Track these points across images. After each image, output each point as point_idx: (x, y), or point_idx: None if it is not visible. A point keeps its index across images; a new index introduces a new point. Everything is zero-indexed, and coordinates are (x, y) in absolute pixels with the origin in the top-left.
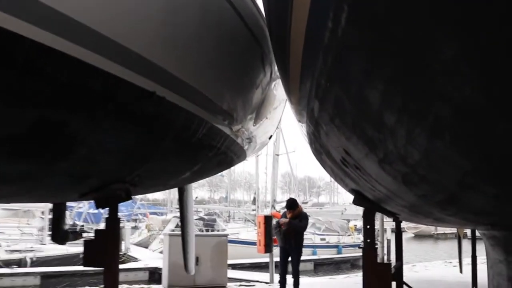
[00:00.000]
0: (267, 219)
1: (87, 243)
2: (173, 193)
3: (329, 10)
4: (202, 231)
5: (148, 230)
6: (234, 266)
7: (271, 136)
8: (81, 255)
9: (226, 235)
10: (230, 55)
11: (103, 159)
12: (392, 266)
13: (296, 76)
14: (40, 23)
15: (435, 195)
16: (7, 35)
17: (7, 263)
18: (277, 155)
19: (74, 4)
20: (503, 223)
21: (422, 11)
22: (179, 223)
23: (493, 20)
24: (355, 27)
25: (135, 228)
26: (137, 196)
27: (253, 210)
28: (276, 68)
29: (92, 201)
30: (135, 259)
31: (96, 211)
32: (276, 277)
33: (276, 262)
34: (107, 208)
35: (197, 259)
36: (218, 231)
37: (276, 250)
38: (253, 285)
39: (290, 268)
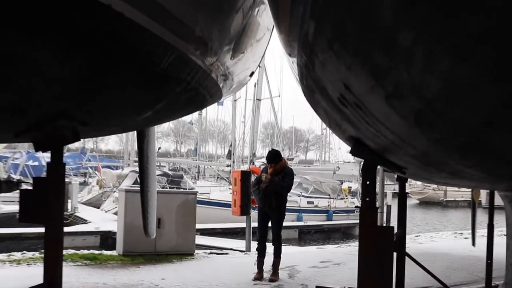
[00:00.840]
0: (245, 175)
1: (24, 195)
2: (132, 143)
3: None
4: (166, 189)
5: (100, 186)
6: (204, 232)
7: (252, 74)
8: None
9: (194, 193)
10: None
11: (42, 86)
12: (393, 233)
13: None
14: None
15: (455, 138)
16: None
17: None
18: (259, 100)
19: None
20: None
21: None
22: (138, 179)
23: None
24: None
25: (84, 184)
26: (87, 147)
27: (228, 165)
28: None
29: (31, 151)
30: (84, 221)
31: (36, 163)
32: (254, 245)
33: (254, 227)
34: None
35: (159, 221)
36: (185, 189)
37: (255, 214)
38: (226, 253)
39: (270, 235)
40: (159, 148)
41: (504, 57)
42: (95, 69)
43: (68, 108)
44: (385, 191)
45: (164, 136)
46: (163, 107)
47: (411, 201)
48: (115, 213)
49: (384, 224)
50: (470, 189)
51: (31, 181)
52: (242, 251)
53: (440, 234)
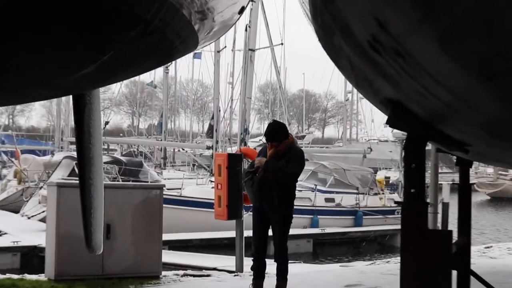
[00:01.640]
0: (233, 160)
1: None
2: (66, 116)
3: None
4: (118, 182)
5: (19, 181)
6: (175, 245)
7: (242, 10)
8: None
9: (160, 188)
10: None
11: None
12: (452, 242)
13: None
14: None
15: None
16: None
17: None
18: (252, 50)
19: None
20: None
21: None
22: (76, 168)
23: None
24: None
25: None
26: None
27: (209, 147)
28: None
29: None
30: None
31: None
32: (248, 262)
33: (248, 237)
34: None
35: (108, 229)
36: (147, 182)
37: (249, 217)
38: (208, 275)
39: (271, 247)
40: (107, 123)
41: None
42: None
43: None
44: (439, 182)
45: (114, 105)
46: (110, 60)
47: (478, 197)
48: (43, 220)
49: (439, 228)
50: None
51: None
52: (231, 272)
53: None
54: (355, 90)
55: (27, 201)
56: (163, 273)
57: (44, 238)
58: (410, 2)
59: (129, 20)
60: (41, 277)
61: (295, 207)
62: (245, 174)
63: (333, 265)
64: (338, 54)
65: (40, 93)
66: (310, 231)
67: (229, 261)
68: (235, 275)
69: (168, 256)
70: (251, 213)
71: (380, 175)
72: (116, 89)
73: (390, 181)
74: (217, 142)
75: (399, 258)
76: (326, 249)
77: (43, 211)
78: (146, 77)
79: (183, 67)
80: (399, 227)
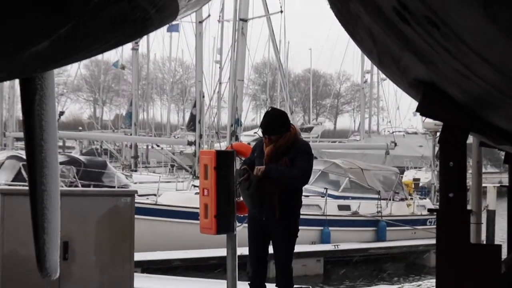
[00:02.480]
0: (223, 158)
1: None
2: (10, 106)
3: None
4: (77, 187)
5: None
6: (149, 266)
7: None
8: None
9: (131, 195)
10: None
11: None
12: (501, 259)
13: None
14: None
15: None
16: None
17: None
18: (244, 20)
19: None
20: None
21: None
22: (24, 170)
23: None
24: None
25: None
26: None
27: (191, 143)
28: None
29: None
30: None
31: None
32: (243, 287)
33: (242, 256)
34: None
35: (65, 248)
36: (113, 187)
37: (244, 230)
38: None
39: (272, 268)
40: (62, 114)
41: None
42: None
43: None
44: (484, 184)
45: (72, 91)
46: (67, 34)
47: None
48: None
49: (484, 242)
50: None
51: None
52: None
53: None
54: (375, 70)
55: None
56: None
57: None
58: None
59: None
60: None
61: (301, 216)
62: (239, 174)
63: None
64: (355, 25)
65: None
66: (320, 247)
67: (218, 287)
68: None
69: (142, 281)
70: (246, 225)
71: (408, 176)
72: (74, 70)
73: (420, 184)
74: (200, 136)
75: (433, 280)
76: (340, 270)
77: None
78: (111, 56)
79: (158, 43)
80: (432, 241)
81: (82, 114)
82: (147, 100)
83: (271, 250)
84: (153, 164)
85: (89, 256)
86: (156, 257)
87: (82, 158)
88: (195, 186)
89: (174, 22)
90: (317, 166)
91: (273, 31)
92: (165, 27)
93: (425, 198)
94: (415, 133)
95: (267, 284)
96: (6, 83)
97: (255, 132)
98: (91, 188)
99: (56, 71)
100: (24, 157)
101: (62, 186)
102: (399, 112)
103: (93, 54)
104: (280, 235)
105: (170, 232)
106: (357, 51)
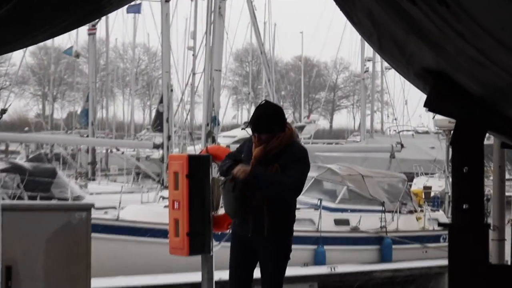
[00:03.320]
0: (197, 164)
1: None
2: None
3: None
4: (22, 199)
5: None
6: None
7: None
8: None
9: (86, 209)
10: None
11: None
12: None
13: None
14: None
15: None
16: None
17: None
18: None
19: None
20: None
21: None
22: None
23: None
24: None
25: None
26: None
27: (157, 146)
28: None
29: None
30: None
31: None
32: None
33: (222, 281)
34: None
35: (8, 273)
36: (65, 199)
37: (224, 251)
38: None
39: None
40: (4, 111)
41: None
42: None
43: None
44: (507, 193)
45: (16, 84)
46: (8, 15)
47: None
48: None
49: (508, 262)
50: None
51: None
52: None
53: None
54: (377, 57)
55: None
56: None
57: None
58: None
59: None
60: None
61: (293, 233)
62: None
63: None
64: (352, 4)
65: None
66: (313, 270)
67: None
68: None
69: None
70: (224, 244)
71: (418, 184)
72: (18, 59)
73: (432, 193)
74: (169, 138)
75: None
76: None
77: None
78: (63, 42)
79: (119, 26)
80: (447, 262)
81: (29, 111)
82: (107, 95)
83: (257, 273)
84: (114, 172)
85: (37, 283)
86: (118, 283)
87: (26, 164)
88: (163, 197)
89: (135, 1)
90: (310, 173)
91: (254, 10)
92: (124, 8)
93: (438, 210)
94: (426, 132)
95: None
96: None
97: (243, 128)
98: (39, 201)
99: None
100: None
101: (3, 199)
102: (406, 107)
103: (40, 40)
104: (269, 256)
105: (134, 254)
106: (356, 35)
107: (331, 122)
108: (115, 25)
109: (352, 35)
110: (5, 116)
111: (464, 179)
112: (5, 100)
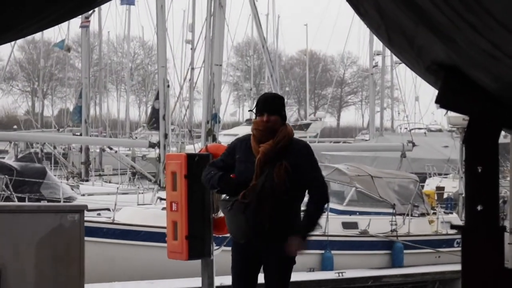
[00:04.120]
0: (196, 163)
1: None
2: None
3: None
4: (10, 201)
5: None
6: None
7: None
8: None
9: (79, 210)
10: None
11: None
12: None
13: None
14: None
15: None
16: None
17: None
18: None
19: None
20: None
21: None
22: None
23: None
24: None
25: None
26: None
27: (153, 144)
28: None
29: None
30: None
31: None
32: None
33: (222, 285)
34: None
35: None
36: (57, 200)
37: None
38: None
39: None
40: None
41: None
42: None
43: None
44: None
45: (3, 80)
46: None
47: None
48: None
49: None
50: None
51: None
52: None
53: None
54: (387, 51)
55: None
56: None
57: None
58: None
59: None
60: None
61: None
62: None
63: None
64: None
65: None
66: (320, 275)
67: None
68: None
69: None
70: (225, 248)
71: (430, 185)
72: (5, 54)
73: (446, 194)
74: (165, 136)
75: None
76: None
77: None
78: (54, 35)
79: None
80: (459, 264)
81: (17, 109)
82: (100, 91)
83: (260, 279)
84: (109, 172)
85: (27, 286)
86: None
87: (15, 164)
88: (161, 199)
89: None
90: None
91: (255, 0)
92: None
93: (451, 213)
94: (439, 130)
95: None
96: None
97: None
98: (29, 203)
99: None
100: None
101: None
102: (418, 104)
103: (27, 33)
104: (273, 261)
105: (130, 258)
106: (365, 27)
107: (338, 119)
108: (108, 17)
109: (360, 27)
110: None
111: (478, 179)
112: None
